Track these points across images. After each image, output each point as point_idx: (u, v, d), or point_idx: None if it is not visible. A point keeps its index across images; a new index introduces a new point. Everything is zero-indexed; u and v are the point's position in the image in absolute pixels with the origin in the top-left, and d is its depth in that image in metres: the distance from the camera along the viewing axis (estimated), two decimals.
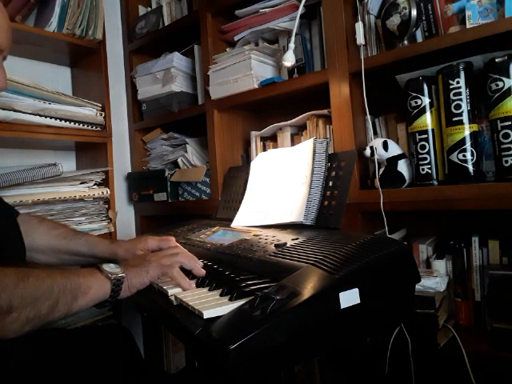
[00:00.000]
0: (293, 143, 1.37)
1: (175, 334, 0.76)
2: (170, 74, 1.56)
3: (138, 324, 1.79)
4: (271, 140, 1.48)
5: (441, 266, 1.07)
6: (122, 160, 1.80)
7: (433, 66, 1.02)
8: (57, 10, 1.39)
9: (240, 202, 1.23)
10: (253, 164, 1.27)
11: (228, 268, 0.81)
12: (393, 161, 1.09)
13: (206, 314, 0.59)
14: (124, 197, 1.83)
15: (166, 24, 1.67)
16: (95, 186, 1.51)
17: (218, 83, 1.40)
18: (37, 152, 1.59)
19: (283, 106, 1.47)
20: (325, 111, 1.24)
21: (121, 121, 1.82)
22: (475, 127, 0.98)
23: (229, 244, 0.94)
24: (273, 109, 1.54)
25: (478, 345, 0.95)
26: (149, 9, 1.83)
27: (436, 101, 1.04)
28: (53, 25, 1.39)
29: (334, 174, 1.01)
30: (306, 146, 1.07)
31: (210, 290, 0.70)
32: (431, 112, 1.04)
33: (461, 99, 0.97)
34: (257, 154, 1.39)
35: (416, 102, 1.04)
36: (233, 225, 1.16)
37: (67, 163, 1.66)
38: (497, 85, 0.92)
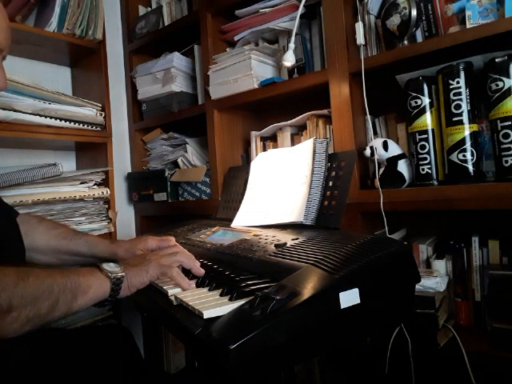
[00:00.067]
0: (293, 143, 1.37)
1: (175, 333, 0.76)
2: (169, 74, 1.56)
3: (138, 324, 1.79)
4: (271, 140, 1.48)
5: (441, 266, 1.07)
6: (122, 160, 1.80)
7: (433, 66, 1.02)
8: (57, 10, 1.39)
9: (240, 202, 1.23)
10: (253, 164, 1.27)
11: (228, 268, 0.81)
12: (393, 161, 1.09)
13: (206, 314, 0.59)
14: (124, 197, 1.83)
15: (166, 24, 1.67)
16: (95, 186, 1.51)
17: (218, 83, 1.40)
18: (37, 152, 1.59)
19: (283, 106, 1.47)
20: (325, 111, 1.24)
21: (121, 121, 1.82)
22: (475, 127, 0.98)
23: (229, 244, 0.94)
24: (273, 109, 1.54)
25: (478, 345, 0.95)
26: (149, 9, 1.83)
27: (436, 101, 1.04)
28: (53, 25, 1.39)
29: (333, 174, 1.01)
30: (306, 146, 1.07)
31: (210, 290, 0.70)
32: (431, 112, 1.04)
33: (461, 99, 0.97)
34: (257, 154, 1.39)
35: (416, 102, 1.04)
36: (233, 225, 1.16)
37: (67, 163, 1.66)
38: (497, 85, 0.92)
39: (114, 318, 1.51)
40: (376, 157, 1.09)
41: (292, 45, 1.22)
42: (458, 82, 0.97)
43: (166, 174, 1.61)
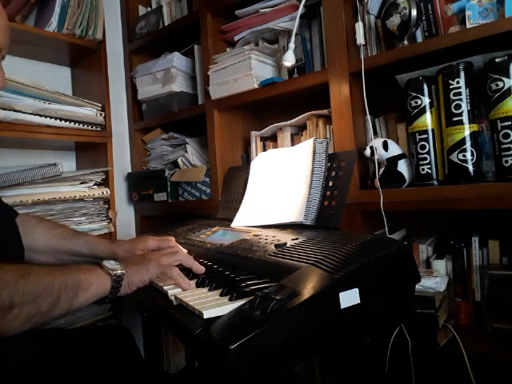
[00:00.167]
0: (293, 143, 1.37)
1: (175, 333, 0.76)
2: (170, 74, 1.56)
3: (138, 324, 1.79)
4: (271, 140, 1.48)
5: (441, 266, 1.07)
6: (122, 160, 1.80)
7: (433, 66, 1.02)
8: (57, 10, 1.39)
9: (240, 202, 1.23)
10: (253, 164, 1.27)
11: (228, 268, 0.81)
12: (393, 161, 1.09)
13: (206, 314, 0.59)
14: (124, 197, 1.83)
15: (166, 24, 1.67)
16: (95, 186, 1.51)
17: (218, 83, 1.40)
18: (37, 152, 1.59)
19: (283, 106, 1.47)
20: (325, 111, 1.24)
21: (121, 121, 1.82)
22: (475, 127, 0.98)
23: (229, 244, 0.94)
24: (273, 109, 1.54)
25: (478, 345, 0.95)
26: (149, 9, 1.83)
27: (436, 101, 1.04)
28: (53, 25, 1.39)
29: (333, 173, 1.01)
30: (306, 146, 1.07)
31: (210, 289, 0.70)
32: (431, 112, 1.04)
33: (461, 99, 0.97)
34: (257, 154, 1.39)
35: (416, 102, 1.04)
36: (233, 225, 1.16)
37: (67, 163, 1.66)
38: (497, 85, 0.92)
39: (114, 317, 1.51)
40: (376, 157, 1.09)
41: (292, 45, 1.22)
42: (458, 82, 0.97)
43: (166, 173, 1.61)
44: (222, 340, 0.52)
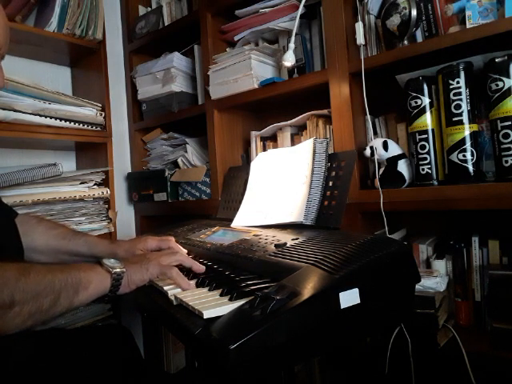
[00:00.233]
0: (293, 143, 1.37)
1: (175, 334, 0.76)
2: (170, 74, 1.56)
3: (138, 324, 1.79)
4: (271, 140, 1.48)
5: (441, 266, 1.07)
6: (122, 160, 1.80)
7: (433, 66, 1.02)
8: (57, 9, 1.39)
9: (240, 202, 1.23)
10: (253, 164, 1.27)
11: (228, 268, 0.81)
12: (393, 161, 1.09)
13: (206, 314, 0.59)
14: (124, 197, 1.83)
15: (166, 24, 1.67)
16: (95, 186, 1.51)
17: (218, 83, 1.40)
18: (37, 152, 1.59)
19: (283, 106, 1.47)
20: (325, 111, 1.24)
21: (121, 121, 1.82)
22: (475, 127, 0.98)
23: (229, 244, 0.94)
24: (273, 109, 1.54)
25: (478, 345, 0.95)
26: (149, 9, 1.83)
27: (436, 101, 1.04)
28: (53, 25, 1.39)
29: (333, 174, 1.01)
30: (306, 146, 1.07)
31: (210, 289, 0.70)
32: (431, 112, 1.04)
33: (461, 99, 0.97)
34: (257, 154, 1.39)
35: (416, 102, 1.04)
36: (233, 225, 1.16)
37: (67, 163, 1.66)
38: (497, 85, 0.92)
39: (114, 318, 1.51)
40: (376, 157, 1.09)
41: (292, 45, 1.22)
42: (458, 82, 0.97)
43: (166, 173, 1.61)
44: (221, 340, 0.52)
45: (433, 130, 1.04)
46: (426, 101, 1.03)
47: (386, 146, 1.09)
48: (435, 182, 1.03)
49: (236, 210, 1.22)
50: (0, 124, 1.24)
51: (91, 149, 1.59)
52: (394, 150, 1.10)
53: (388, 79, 1.12)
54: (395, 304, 0.72)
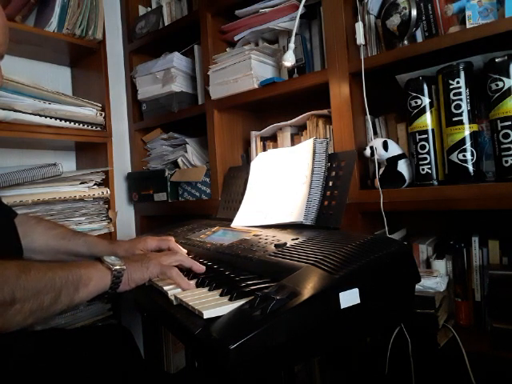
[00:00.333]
0: (293, 143, 1.37)
1: (175, 333, 0.76)
2: (170, 74, 1.56)
3: (138, 324, 1.79)
4: (271, 140, 1.48)
5: (441, 266, 1.07)
6: (122, 160, 1.80)
7: (433, 66, 1.02)
8: (57, 10, 1.39)
9: (240, 202, 1.23)
10: (253, 164, 1.27)
11: (228, 268, 0.81)
12: (393, 161, 1.09)
13: (206, 314, 0.59)
14: (124, 197, 1.83)
15: (166, 24, 1.67)
16: (95, 186, 1.51)
17: (218, 83, 1.40)
18: (37, 152, 1.59)
19: (283, 106, 1.47)
20: (325, 111, 1.24)
21: (121, 121, 1.82)
22: (475, 127, 0.98)
23: (229, 244, 0.94)
24: (273, 109, 1.54)
25: (478, 345, 0.95)
26: (149, 9, 1.83)
27: (436, 101, 1.04)
28: (53, 25, 1.39)
29: (333, 173, 1.01)
30: (306, 146, 1.07)
31: (209, 289, 0.70)
32: (431, 112, 1.04)
33: (461, 99, 0.97)
34: (257, 154, 1.39)
35: (416, 102, 1.04)
36: (233, 225, 1.16)
37: (67, 163, 1.66)
38: (497, 85, 0.92)
39: (114, 317, 1.51)
40: (376, 157, 1.09)
41: (292, 45, 1.22)
42: (458, 82, 0.97)
43: (166, 173, 1.61)
44: (221, 340, 0.52)
45: (433, 129, 1.04)
46: (426, 101, 1.03)
47: (385, 146, 1.09)
48: (435, 182, 1.03)
49: (236, 209, 1.22)
50: (0, 124, 1.24)
51: (91, 149, 1.59)
52: (394, 149, 1.10)
53: (388, 79, 1.12)
54: (395, 304, 0.72)
